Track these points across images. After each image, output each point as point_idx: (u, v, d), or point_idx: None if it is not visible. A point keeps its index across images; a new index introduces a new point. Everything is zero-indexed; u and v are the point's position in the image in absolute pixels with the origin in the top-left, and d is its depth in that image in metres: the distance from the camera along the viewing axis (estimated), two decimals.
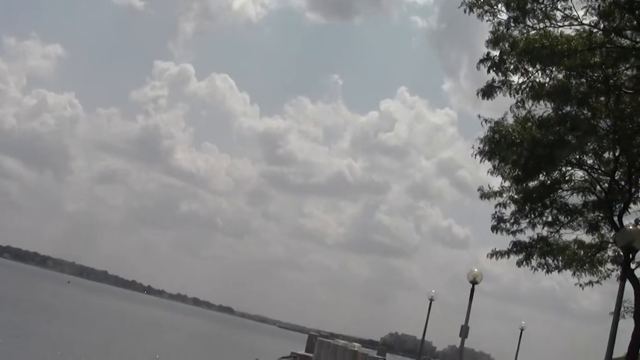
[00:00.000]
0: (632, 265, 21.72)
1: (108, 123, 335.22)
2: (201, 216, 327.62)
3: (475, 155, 21.46)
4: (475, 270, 33.43)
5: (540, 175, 21.55)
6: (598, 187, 23.21)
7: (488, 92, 19.57)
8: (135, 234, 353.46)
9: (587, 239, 24.28)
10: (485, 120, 21.25)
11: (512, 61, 18.93)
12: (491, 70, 19.16)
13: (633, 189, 22.18)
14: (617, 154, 21.70)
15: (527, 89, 19.31)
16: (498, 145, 20.95)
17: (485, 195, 23.76)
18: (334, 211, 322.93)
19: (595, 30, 18.40)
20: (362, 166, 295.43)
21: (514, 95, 19.61)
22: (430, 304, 43.08)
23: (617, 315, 19.48)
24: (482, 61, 19.15)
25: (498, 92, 19.66)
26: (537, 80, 19.43)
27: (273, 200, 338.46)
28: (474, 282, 33.04)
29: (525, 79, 19.24)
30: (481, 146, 21.37)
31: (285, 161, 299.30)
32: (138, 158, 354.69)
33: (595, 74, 19.15)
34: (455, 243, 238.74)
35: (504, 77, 19.30)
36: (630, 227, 19.92)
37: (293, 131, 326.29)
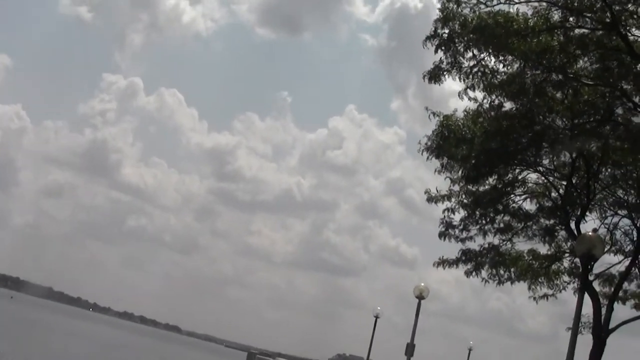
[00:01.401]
0: (590, 277, 19.95)
1: (55, 135, 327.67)
2: (148, 232, 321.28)
3: (422, 151, 19.39)
4: (422, 285, 31.76)
5: (492, 177, 19.49)
6: (554, 193, 21.40)
7: (435, 74, 17.44)
8: (81, 248, 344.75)
9: (542, 249, 22.44)
10: (434, 114, 19.23)
11: (463, 41, 16.83)
12: (439, 50, 17.03)
13: (591, 195, 20.30)
14: (573, 155, 19.81)
15: (479, 74, 17.25)
16: (447, 141, 18.92)
17: (432, 199, 21.73)
18: (282, 229, 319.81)
19: (555, 8, 16.45)
20: (310, 184, 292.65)
21: (464, 80, 17.53)
22: (376, 321, 41.01)
23: (575, 331, 17.41)
24: (428, 38, 17.01)
25: (446, 76, 17.52)
26: (490, 66, 17.39)
27: (221, 217, 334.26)
28: (420, 297, 31.41)
29: (476, 62, 17.14)
30: (429, 142, 19.28)
31: (234, 178, 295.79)
32: (85, 172, 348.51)
33: (553, 61, 17.14)
34: (403, 263, 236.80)
35: (452, 59, 17.19)
36: (590, 234, 17.97)
37: (242, 147, 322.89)
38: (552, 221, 21.25)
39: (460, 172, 19.37)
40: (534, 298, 22.01)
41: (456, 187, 21.66)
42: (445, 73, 17.29)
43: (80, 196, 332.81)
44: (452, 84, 18.19)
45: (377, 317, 41.21)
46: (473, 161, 18.31)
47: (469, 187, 20.14)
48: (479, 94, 18.48)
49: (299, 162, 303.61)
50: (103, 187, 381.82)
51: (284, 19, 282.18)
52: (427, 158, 19.41)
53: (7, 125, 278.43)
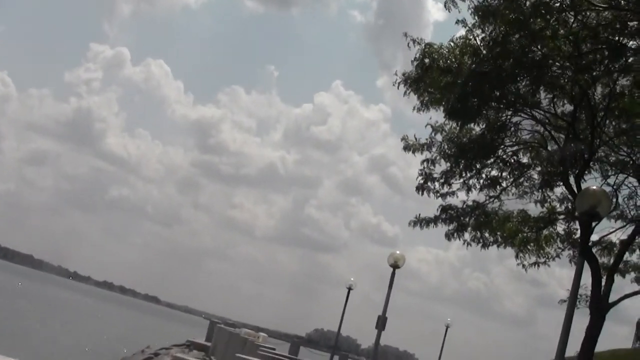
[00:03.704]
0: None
1: (40, 103, 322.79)
2: (131, 202, 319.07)
3: (399, 84, 16.30)
4: (397, 252, 28.60)
5: (482, 110, 16.25)
6: (550, 146, 18.41)
7: None
8: (63, 217, 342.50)
9: (533, 211, 19.50)
10: (414, 41, 16.13)
11: None
12: None
13: (594, 148, 17.27)
14: (575, 92, 16.67)
15: None
16: (429, 72, 15.82)
17: (409, 147, 18.71)
18: (264, 203, 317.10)
19: None
20: (294, 159, 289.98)
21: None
22: (349, 292, 38.06)
23: (572, 304, 14.36)
24: None
25: None
26: None
27: (203, 190, 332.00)
28: (394, 266, 28.18)
29: None
30: (407, 72, 16.16)
31: (217, 150, 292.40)
32: (69, 140, 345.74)
33: None
34: (384, 241, 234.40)
35: None
36: (594, 188, 14.93)
37: (226, 120, 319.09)
38: (549, 169, 18.19)
39: (442, 107, 16.20)
40: (523, 265, 19.07)
41: (438, 137, 18.75)
42: None
43: (63, 165, 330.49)
44: None
45: (349, 289, 38.31)
46: (459, 90, 15.06)
47: (453, 124, 17.04)
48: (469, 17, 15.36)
49: (284, 136, 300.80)
50: (86, 156, 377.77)
51: None
52: (405, 93, 16.34)
53: None
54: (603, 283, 16.95)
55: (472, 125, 17.86)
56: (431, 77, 15.86)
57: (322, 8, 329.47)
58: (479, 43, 15.54)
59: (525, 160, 18.38)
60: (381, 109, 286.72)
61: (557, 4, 15.05)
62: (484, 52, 15.04)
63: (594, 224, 15.30)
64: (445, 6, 15.01)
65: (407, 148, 18.70)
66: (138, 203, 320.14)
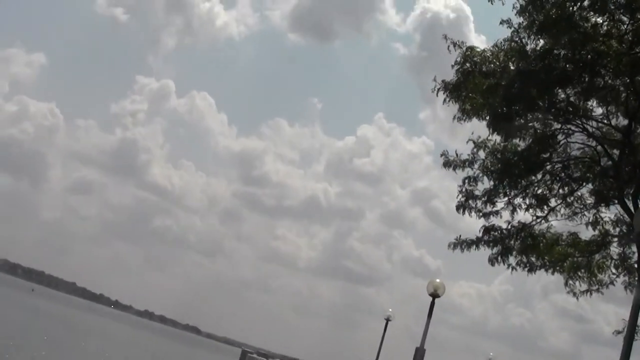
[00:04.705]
0: None
1: (86, 134, 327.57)
2: (173, 232, 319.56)
3: (437, 91, 14.98)
4: (437, 280, 27.07)
5: (528, 115, 14.78)
6: (604, 162, 16.87)
7: None
8: (106, 246, 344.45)
9: (585, 233, 17.91)
10: (454, 44, 14.84)
11: None
12: None
13: None
14: (630, 102, 15.19)
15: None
16: (469, 77, 14.47)
17: (449, 163, 17.35)
18: (307, 235, 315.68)
19: None
20: (336, 191, 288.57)
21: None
22: (387, 324, 36.60)
23: (630, 336, 12.79)
24: None
25: None
26: None
27: (246, 221, 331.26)
28: (434, 295, 26.55)
29: None
30: (446, 79, 14.86)
31: (260, 182, 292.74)
32: (114, 171, 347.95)
33: None
34: (426, 274, 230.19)
35: None
36: None
37: (269, 152, 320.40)
38: (601, 193, 16.63)
39: (485, 114, 14.77)
40: (574, 293, 17.45)
41: (481, 153, 17.39)
42: None
43: (107, 194, 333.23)
44: None
45: (388, 320, 36.83)
46: (504, 92, 13.64)
47: (497, 139, 15.63)
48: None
49: (326, 169, 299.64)
50: (131, 186, 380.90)
51: (316, 26, 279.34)
52: (444, 100, 15.01)
53: (40, 122, 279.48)
54: None
55: (517, 140, 16.53)
56: (473, 83, 14.50)
57: (364, 40, 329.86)
58: (525, 43, 14.17)
59: (577, 174, 16.80)
60: (424, 142, 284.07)
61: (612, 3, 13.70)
62: (531, 51, 13.63)
63: None
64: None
65: (447, 164, 17.38)
66: (180, 233, 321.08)
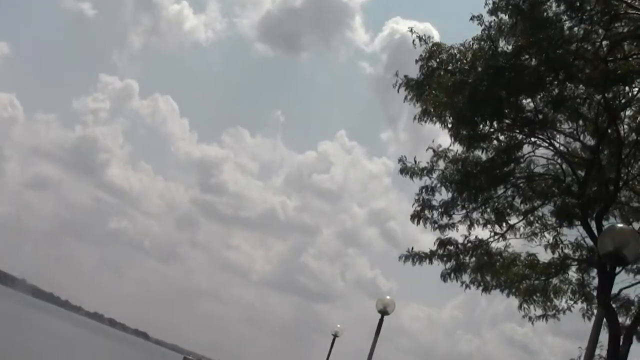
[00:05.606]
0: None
1: (46, 128, 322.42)
2: (129, 235, 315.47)
3: (399, 87, 13.92)
4: (387, 297, 25.96)
5: (494, 121, 13.78)
6: (569, 179, 15.95)
7: None
8: (60, 245, 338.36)
9: (543, 255, 16.93)
10: (420, 39, 13.81)
11: None
12: None
13: (623, 174, 14.82)
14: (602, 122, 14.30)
15: None
16: (433, 75, 13.43)
17: (406, 170, 16.30)
18: (262, 247, 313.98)
19: None
20: (294, 205, 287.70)
21: None
22: (334, 340, 35.14)
23: None
24: None
25: None
26: None
27: (202, 229, 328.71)
28: (383, 312, 25.53)
29: None
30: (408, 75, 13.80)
31: (218, 191, 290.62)
32: (72, 168, 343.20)
33: None
34: (378, 295, 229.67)
35: None
36: (622, 226, 12.41)
37: (229, 161, 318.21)
38: (568, 200, 15.69)
39: (449, 116, 13.72)
40: (529, 318, 16.45)
41: (441, 163, 16.40)
42: None
43: (64, 192, 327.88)
44: None
45: (335, 336, 35.44)
46: (470, 90, 12.58)
47: (458, 149, 14.66)
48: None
49: (285, 182, 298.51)
50: (88, 185, 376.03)
51: (284, 37, 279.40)
52: (405, 98, 13.94)
53: None
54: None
55: (480, 151, 15.57)
56: (437, 80, 13.46)
57: (332, 56, 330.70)
58: (496, 39, 13.16)
59: (539, 189, 15.83)
60: (384, 162, 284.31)
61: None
62: (502, 52, 12.66)
63: (617, 269, 12.79)
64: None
65: (404, 171, 16.34)
66: (136, 237, 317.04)
